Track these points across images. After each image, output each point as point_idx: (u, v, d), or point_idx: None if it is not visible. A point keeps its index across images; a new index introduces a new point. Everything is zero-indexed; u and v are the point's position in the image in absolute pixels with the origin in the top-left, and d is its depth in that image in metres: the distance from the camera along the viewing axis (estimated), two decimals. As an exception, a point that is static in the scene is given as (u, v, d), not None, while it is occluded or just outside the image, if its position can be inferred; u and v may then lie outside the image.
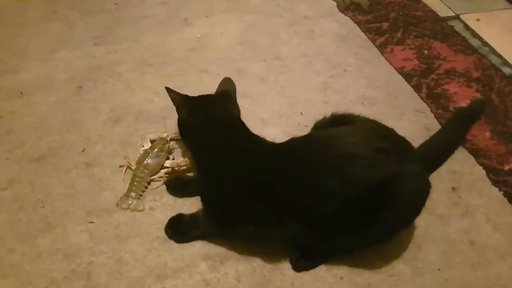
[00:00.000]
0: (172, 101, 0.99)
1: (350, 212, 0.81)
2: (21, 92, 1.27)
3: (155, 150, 1.07)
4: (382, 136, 0.88)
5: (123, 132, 1.17)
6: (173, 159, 1.10)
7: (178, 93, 0.99)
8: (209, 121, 0.95)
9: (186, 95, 1.00)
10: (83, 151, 1.12)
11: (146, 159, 1.06)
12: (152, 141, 1.11)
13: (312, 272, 0.91)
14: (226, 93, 1.03)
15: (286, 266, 0.92)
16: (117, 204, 1.01)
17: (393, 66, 1.41)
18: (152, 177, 1.06)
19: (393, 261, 0.93)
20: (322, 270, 0.92)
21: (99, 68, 1.36)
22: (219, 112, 0.97)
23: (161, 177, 1.06)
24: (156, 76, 1.34)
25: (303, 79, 1.35)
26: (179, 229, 0.96)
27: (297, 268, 0.91)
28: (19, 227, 0.96)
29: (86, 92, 1.28)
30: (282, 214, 0.85)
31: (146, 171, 1.05)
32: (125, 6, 1.63)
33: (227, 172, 0.88)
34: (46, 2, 1.63)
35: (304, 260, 0.92)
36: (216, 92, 1.05)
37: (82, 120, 1.20)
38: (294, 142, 0.91)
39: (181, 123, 1.00)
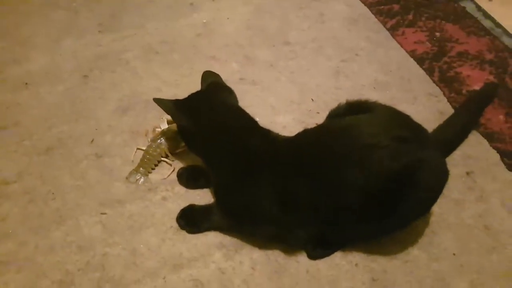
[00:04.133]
0: (165, 110, 0.94)
1: (369, 202, 0.80)
2: (26, 83, 1.25)
3: (172, 132, 1.06)
4: (400, 124, 0.87)
5: (132, 122, 1.15)
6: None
7: (168, 100, 0.94)
8: (214, 121, 0.90)
9: (177, 100, 0.95)
10: (92, 141, 1.11)
11: (160, 139, 1.05)
12: (169, 122, 1.09)
13: (327, 259, 0.91)
14: (217, 84, 0.98)
15: (300, 254, 0.91)
16: (126, 178, 1.02)
17: (405, 49, 1.38)
18: (163, 158, 1.06)
19: (408, 247, 0.93)
20: (337, 257, 0.91)
21: (105, 57, 1.33)
22: (221, 108, 0.93)
23: (172, 160, 1.06)
24: (163, 64, 1.32)
25: (313, 65, 1.33)
26: (191, 220, 0.95)
27: (313, 256, 0.91)
28: (30, 220, 0.96)
29: (93, 81, 1.26)
30: (301, 212, 0.84)
31: (158, 150, 1.04)
32: (128, -8, 1.59)
33: (242, 174, 0.86)
34: (48, -10, 1.60)
35: (320, 249, 0.91)
36: (204, 87, 0.99)
37: (90, 110, 1.18)
38: (308, 134, 0.89)
39: (182, 130, 0.96)
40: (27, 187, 1.01)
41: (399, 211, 0.81)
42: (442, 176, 0.85)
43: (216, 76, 1.02)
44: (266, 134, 0.91)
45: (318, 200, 0.82)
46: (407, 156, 0.79)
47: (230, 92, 0.98)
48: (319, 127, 0.90)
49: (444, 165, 0.86)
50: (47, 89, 1.24)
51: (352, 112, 0.90)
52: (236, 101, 0.98)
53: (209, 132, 0.90)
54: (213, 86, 0.98)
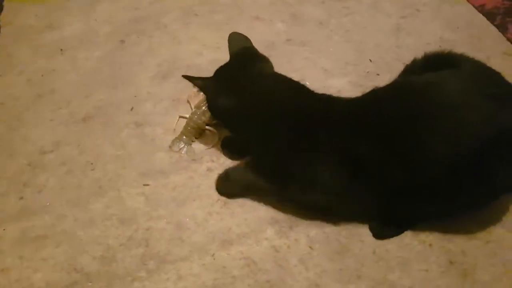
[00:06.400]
0: (202, 90, 0.84)
1: (454, 174, 0.67)
2: (61, 49, 1.19)
3: None
4: (492, 81, 0.73)
5: (173, 89, 1.07)
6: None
7: (202, 78, 0.84)
8: (258, 95, 0.79)
9: (210, 78, 0.84)
10: (132, 109, 1.03)
11: (206, 105, 0.95)
12: None
13: (395, 239, 0.80)
14: (249, 52, 0.86)
15: (364, 232, 0.81)
16: (169, 146, 0.95)
17: (472, 4, 1.23)
18: (207, 127, 0.96)
19: (490, 225, 0.81)
20: (407, 237, 0.80)
21: (142, 20, 1.25)
22: (263, 79, 0.81)
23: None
24: (204, 26, 1.22)
25: (370, 22, 1.19)
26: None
27: (379, 235, 0.80)
28: (68, 191, 0.90)
29: (130, 46, 1.18)
30: (366, 183, 0.73)
31: (203, 118, 0.95)
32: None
33: (299, 145, 0.75)
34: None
35: (387, 226, 0.80)
36: (235, 54, 0.86)
37: (128, 77, 1.11)
38: (378, 94, 0.76)
39: (220, 110, 0.83)
40: (65, 157, 0.95)
41: (490, 184, 0.68)
42: None
43: (246, 39, 0.89)
44: (320, 98, 0.80)
45: (389, 170, 0.71)
46: (504, 119, 0.66)
47: (265, 60, 0.86)
48: (391, 85, 0.76)
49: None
50: (83, 55, 1.17)
51: (431, 67, 0.76)
52: (273, 69, 0.86)
53: (255, 107, 0.79)
54: (245, 54, 0.86)
